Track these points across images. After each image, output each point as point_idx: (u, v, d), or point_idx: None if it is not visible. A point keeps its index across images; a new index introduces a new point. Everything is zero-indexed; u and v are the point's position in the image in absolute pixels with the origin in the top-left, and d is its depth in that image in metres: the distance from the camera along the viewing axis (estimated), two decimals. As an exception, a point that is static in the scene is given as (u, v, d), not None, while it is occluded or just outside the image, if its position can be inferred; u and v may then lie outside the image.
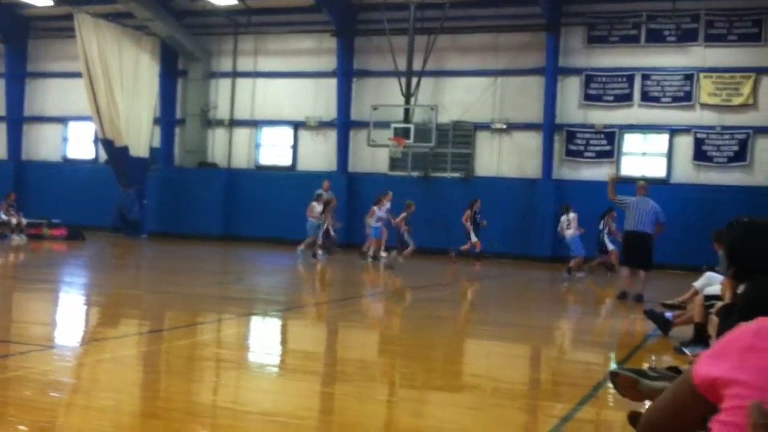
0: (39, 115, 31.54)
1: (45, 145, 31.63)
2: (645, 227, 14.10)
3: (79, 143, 31.30)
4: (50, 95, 31.29)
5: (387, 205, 21.64)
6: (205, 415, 5.61)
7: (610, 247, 20.38)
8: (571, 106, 25.26)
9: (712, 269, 9.80)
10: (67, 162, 31.27)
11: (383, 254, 20.98)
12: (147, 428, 5.17)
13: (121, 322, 10.14)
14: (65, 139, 31.52)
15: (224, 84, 29.28)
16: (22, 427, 4.91)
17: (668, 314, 10.11)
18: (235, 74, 29.02)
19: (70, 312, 11.09)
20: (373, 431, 5.39)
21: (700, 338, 8.69)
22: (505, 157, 25.95)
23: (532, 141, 25.55)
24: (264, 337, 9.78)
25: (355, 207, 26.11)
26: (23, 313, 10.55)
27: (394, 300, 14.60)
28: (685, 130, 24.12)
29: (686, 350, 8.47)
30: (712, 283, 8.98)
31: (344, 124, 27.27)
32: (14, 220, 24.33)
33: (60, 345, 8.10)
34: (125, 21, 27.69)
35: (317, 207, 22.37)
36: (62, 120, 31.20)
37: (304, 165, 28.30)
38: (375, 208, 21.70)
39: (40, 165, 31.08)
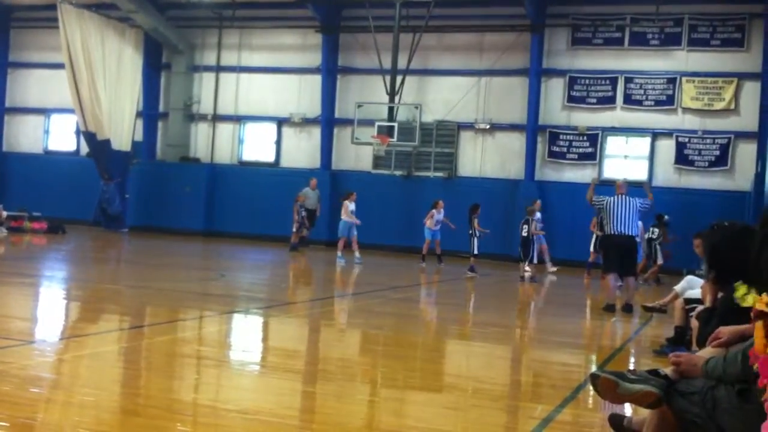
0: (20, 106, 31.30)
1: (26, 136, 31.39)
2: (629, 230, 12.87)
3: (61, 135, 31.09)
4: (32, 86, 31.06)
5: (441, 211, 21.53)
6: (186, 412, 5.60)
7: (660, 258, 20.05)
8: (555, 108, 25.37)
9: (693, 273, 9.89)
10: (49, 154, 31.06)
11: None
12: (127, 425, 5.15)
13: (102, 318, 10.09)
14: (47, 131, 31.30)
15: (208, 78, 29.17)
16: (1, 423, 4.88)
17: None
18: (219, 68, 28.92)
19: (50, 307, 11.02)
20: (353, 430, 5.40)
21: (681, 340, 8.76)
22: (488, 158, 26.02)
23: (515, 142, 25.64)
24: (245, 335, 9.76)
25: (337, 205, 26.04)
26: (2, 307, 10.47)
27: (376, 299, 14.60)
28: (667, 133, 24.28)
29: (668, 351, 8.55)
30: (693, 286, 9.05)
31: (328, 122, 27.25)
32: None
33: (40, 340, 8.06)
34: (109, 12, 27.54)
35: (350, 206, 21.59)
36: (44, 111, 30.98)
37: (287, 162, 28.24)
38: (434, 211, 21.57)
39: (21, 157, 30.84)
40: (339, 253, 20.97)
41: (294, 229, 23.80)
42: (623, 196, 13.05)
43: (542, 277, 19.96)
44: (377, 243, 24.48)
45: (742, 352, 3.54)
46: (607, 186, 22.17)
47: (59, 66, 27.35)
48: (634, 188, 15.78)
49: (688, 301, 8.80)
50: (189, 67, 29.22)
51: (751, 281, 4.38)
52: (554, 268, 21.33)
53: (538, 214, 20.47)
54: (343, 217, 21.55)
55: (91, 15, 26.79)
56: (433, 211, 21.66)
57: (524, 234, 19.06)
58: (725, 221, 5.06)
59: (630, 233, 12.95)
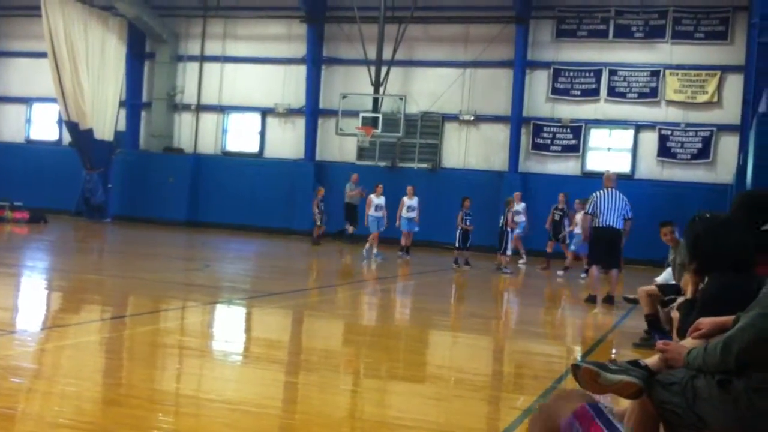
0: (2, 95, 31.06)
1: (8, 125, 31.16)
2: (615, 223, 13.07)
3: (43, 125, 30.88)
4: (14, 75, 30.82)
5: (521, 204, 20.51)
6: (168, 402, 5.59)
7: None
8: (539, 100, 25.42)
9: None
10: (31, 143, 30.85)
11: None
12: (109, 415, 5.13)
13: (84, 308, 10.04)
14: (29, 121, 31.09)
15: (192, 68, 29.03)
16: (-19, 413, 4.85)
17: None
18: (203, 58, 28.79)
19: (31, 297, 10.96)
20: (335, 421, 5.40)
21: (656, 327, 8.85)
22: (473, 149, 26.06)
23: (500, 133, 25.68)
24: (228, 325, 9.74)
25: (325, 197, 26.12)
26: (-17, 296, 10.40)
27: (361, 290, 14.61)
28: (650, 126, 24.39)
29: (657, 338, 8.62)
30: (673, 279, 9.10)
31: (313, 112, 27.19)
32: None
33: (21, 330, 8.01)
34: (92, 1, 27.34)
35: (375, 200, 20.85)
36: (26, 101, 30.76)
37: (271, 152, 28.17)
38: (405, 199, 20.94)
39: (3, 146, 30.59)
40: (372, 249, 19.86)
41: (317, 223, 23.59)
42: (612, 190, 13.23)
43: (515, 268, 19.88)
44: (362, 234, 24.46)
45: (722, 343, 3.57)
46: (592, 178, 22.38)
47: (42, 55, 27.14)
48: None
49: (665, 291, 8.85)
50: (173, 57, 29.08)
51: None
52: (523, 260, 21.23)
53: (521, 206, 20.46)
54: (369, 212, 20.62)
55: (74, 4, 26.60)
56: (404, 198, 20.94)
57: (500, 225, 19.12)
58: (707, 212, 5.08)
59: (616, 226, 13.11)
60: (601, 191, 13.26)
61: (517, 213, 20.09)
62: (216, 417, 5.20)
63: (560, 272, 18.74)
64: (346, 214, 23.50)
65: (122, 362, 6.92)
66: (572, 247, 19.30)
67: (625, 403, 4.37)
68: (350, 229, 23.49)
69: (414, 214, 20.78)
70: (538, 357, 8.66)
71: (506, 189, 24.00)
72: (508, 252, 19.09)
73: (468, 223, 19.55)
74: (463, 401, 6.22)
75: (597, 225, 13.23)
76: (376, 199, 20.77)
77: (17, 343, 7.26)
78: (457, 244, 19.50)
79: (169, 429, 4.95)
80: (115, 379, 6.20)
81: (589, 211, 13.30)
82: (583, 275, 17.82)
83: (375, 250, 19.85)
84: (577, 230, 18.81)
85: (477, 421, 5.74)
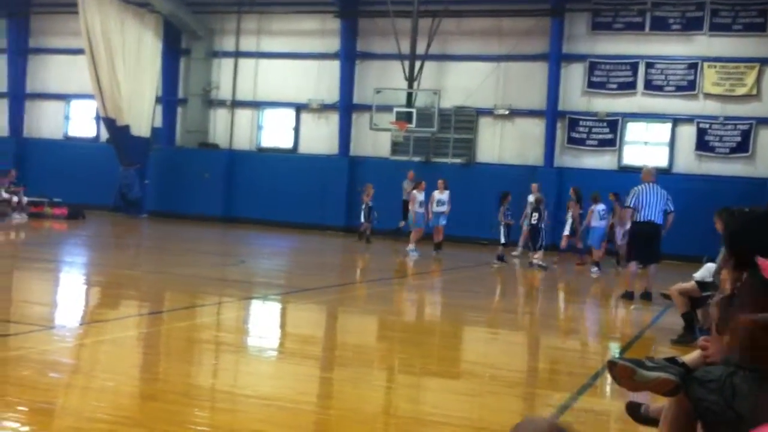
0: (41, 92, 31.45)
1: (47, 122, 31.55)
2: (655, 218, 12.89)
3: (81, 121, 31.24)
4: (52, 72, 31.19)
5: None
6: (204, 398, 5.63)
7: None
8: (574, 94, 25.19)
9: (712, 260, 9.78)
10: (69, 140, 31.21)
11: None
12: (146, 410, 5.19)
13: (121, 303, 10.16)
14: (67, 117, 31.45)
15: (227, 64, 29.18)
16: (21, 408, 4.93)
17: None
18: (237, 54, 28.91)
19: (70, 292, 11.11)
20: (370, 417, 5.41)
21: (692, 326, 8.78)
22: (507, 144, 25.90)
23: (535, 128, 25.50)
24: (263, 321, 9.80)
25: (354, 191, 26.17)
26: (23, 292, 10.57)
27: (394, 286, 14.62)
28: (688, 119, 24.07)
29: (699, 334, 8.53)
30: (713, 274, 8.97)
31: (346, 107, 27.21)
32: (15, 199, 24.34)
33: (60, 325, 8.12)
34: (128, -3, 27.59)
35: (418, 196, 20.48)
36: (64, 97, 31.12)
37: (305, 148, 28.24)
38: (415, 192, 20.58)
39: (42, 142, 31.01)
40: (412, 246, 19.72)
41: (362, 220, 22.99)
42: (652, 184, 13.12)
43: (550, 263, 19.43)
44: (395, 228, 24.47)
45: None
46: (628, 173, 22.15)
47: (79, 52, 27.43)
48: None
49: (703, 287, 8.75)
50: (208, 53, 29.25)
51: None
52: (517, 252, 20.84)
53: (531, 198, 19.89)
54: (413, 208, 20.34)
55: (110, 0, 26.85)
56: (435, 192, 20.49)
57: (533, 222, 18.72)
58: (745, 207, 5.00)
59: (656, 221, 12.98)
60: (642, 186, 13.13)
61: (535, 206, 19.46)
62: (251, 412, 5.23)
63: (594, 269, 18.35)
64: (403, 210, 23.08)
65: (159, 357, 6.99)
66: (590, 242, 19.02)
67: (662, 401, 4.33)
68: (403, 224, 23.28)
69: (444, 209, 20.30)
70: (574, 353, 8.60)
71: (542, 184, 23.74)
72: (538, 247, 18.66)
73: (510, 218, 19.40)
74: (497, 398, 6.20)
75: (637, 220, 13.08)
76: (420, 195, 20.55)
77: (56, 338, 7.36)
78: (502, 240, 19.08)
79: (205, 424, 4.99)
80: (151, 374, 6.26)
81: (631, 205, 13.16)
82: (594, 269, 17.76)
83: (412, 246, 19.72)
84: (594, 223, 18.70)
85: (511, 418, 5.71)
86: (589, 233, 19.12)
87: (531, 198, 19.86)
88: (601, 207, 18.96)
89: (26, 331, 7.31)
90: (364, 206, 22.86)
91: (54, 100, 31.28)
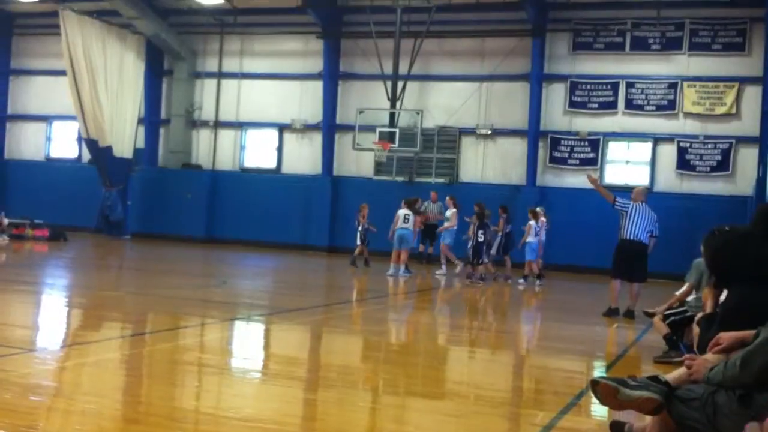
0: (22, 113, 31.35)
1: (28, 144, 31.43)
2: (641, 237, 13.21)
3: (63, 142, 31.12)
4: (34, 93, 31.11)
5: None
6: (187, 420, 5.60)
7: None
8: (556, 113, 25.37)
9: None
10: (50, 161, 31.09)
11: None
12: (128, 433, 5.14)
13: (104, 325, 10.09)
14: (48, 138, 31.34)
15: (209, 84, 29.20)
16: (2, 431, 4.88)
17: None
18: (220, 75, 28.96)
19: (51, 314, 11.03)
20: (355, 438, 5.39)
21: (674, 345, 8.80)
22: (490, 163, 26.02)
23: (517, 147, 25.63)
24: (247, 342, 9.75)
25: (337, 211, 26.24)
26: (4, 315, 10.47)
27: (377, 306, 14.59)
28: (669, 138, 24.27)
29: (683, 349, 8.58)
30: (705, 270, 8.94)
31: (329, 127, 27.26)
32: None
33: (41, 348, 8.06)
34: (110, 19, 27.56)
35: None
36: (46, 118, 31.02)
37: (288, 168, 28.25)
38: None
39: (23, 164, 30.88)
40: (402, 266, 19.40)
41: (358, 242, 21.55)
42: (642, 204, 13.41)
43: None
44: (380, 249, 24.43)
45: (741, 358, 3.54)
46: (611, 191, 22.23)
47: (61, 73, 27.39)
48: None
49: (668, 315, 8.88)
50: (190, 74, 29.27)
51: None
52: (459, 264, 21.01)
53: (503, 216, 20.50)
54: (398, 226, 19.80)
55: (92, 21, 26.84)
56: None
57: (480, 239, 18.61)
58: (726, 226, 5.04)
59: (643, 240, 13.25)
60: (634, 204, 13.38)
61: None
62: (235, 435, 5.20)
63: (521, 280, 19.39)
64: (425, 232, 23.13)
65: (141, 380, 6.94)
66: (528, 257, 19.58)
67: (646, 419, 4.34)
68: (422, 248, 23.53)
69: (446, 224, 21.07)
70: (558, 372, 8.61)
71: (524, 203, 23.86)
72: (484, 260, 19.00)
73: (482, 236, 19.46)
74: (482, 418, 6.19)
75: (623, 237, 13.28)
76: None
77: (37, 360, 7.30)
78: (479, 258, 18.99)
79: (188, 447, 4.95)
80: (134, 397, 6.22)
81: (623, 213, 13.46)
82: (521, 281, 19.23)
83: (403, 267, 19.44)
84: (530, 239, 19.47)
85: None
86: (525, 248, 19.63)
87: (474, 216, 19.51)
88: (534, 223, 19.71)
89: (7, 354, 7.24)
90: (360, 228, 21.52)
91: (36, 121, 31.19)
